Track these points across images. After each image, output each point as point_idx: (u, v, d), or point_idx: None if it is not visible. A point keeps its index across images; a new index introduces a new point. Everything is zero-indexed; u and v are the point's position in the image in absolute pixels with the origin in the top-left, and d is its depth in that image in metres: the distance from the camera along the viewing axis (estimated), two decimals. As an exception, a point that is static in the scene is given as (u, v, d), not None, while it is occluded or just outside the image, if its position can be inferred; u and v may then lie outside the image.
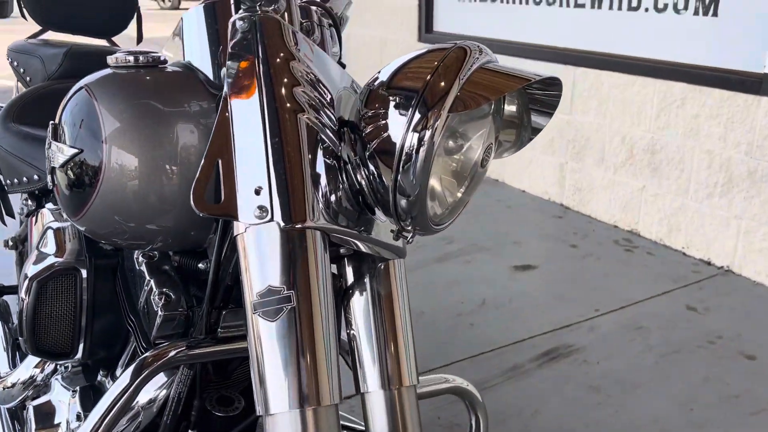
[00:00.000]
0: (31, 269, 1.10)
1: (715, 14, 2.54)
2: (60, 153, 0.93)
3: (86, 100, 0.91)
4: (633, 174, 2.97)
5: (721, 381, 1.98)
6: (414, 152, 0.72)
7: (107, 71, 0.95)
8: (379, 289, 0.92)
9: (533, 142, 0.90)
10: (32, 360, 1.36)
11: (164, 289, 0.97)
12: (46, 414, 1.20)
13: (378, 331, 0.86)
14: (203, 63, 0.97)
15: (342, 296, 0.93)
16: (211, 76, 0.96)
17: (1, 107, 1.95)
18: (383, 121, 0.76)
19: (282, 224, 0.70)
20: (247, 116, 0.74)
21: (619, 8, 2.90)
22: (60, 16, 1.90)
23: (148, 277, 1.00)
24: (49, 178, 0.98)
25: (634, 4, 2.84)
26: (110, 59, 0.94)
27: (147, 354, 0.91)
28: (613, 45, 2.96)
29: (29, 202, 1.63)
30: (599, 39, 3.02)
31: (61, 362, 1.17)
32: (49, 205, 1.52)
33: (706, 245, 2.72)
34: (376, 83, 0.79)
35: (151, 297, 0.98)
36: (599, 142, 3.09)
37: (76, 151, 0.90)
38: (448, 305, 2.39)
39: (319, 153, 0.76)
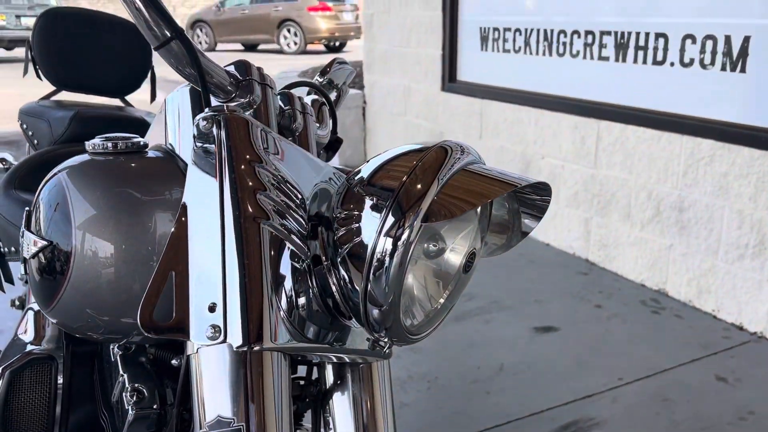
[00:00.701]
0: (6, 356, 1.06)
1: (743, 70, 2.46)
2: (31, 244, 0.90)
3: (59, 187, 0.88)
4: (660, 231, 2.86)
5: (753, 463, 1.85)
6: (387, 258, 0.66)
7: (84, 157, 0.92)
8: (362, 392, 0.85)
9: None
10: None
11: (137, 385, 0.92)
12: None
13: None
14: (185, 148, 0.93)
15: (321, 399, 0.87)
16: (182, 161, 0.91)
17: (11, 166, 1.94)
18: (357, 224, 0.70)
19: (235, 346, 0.65)
20: (204, 225, 0.69)
21: (644, 62, 2.84)
22: (73, 77, 1.90)
23: (121, 371, 0.95)
24: (22, 268, 0.95)
25: (660, 58, 2.77)
26: (88, 145, 0.91)
27: None
28: (638, 99, 2.89)
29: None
30: (624, 92, 2.95)
31: None
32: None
33: (738, 309, 2.59)
34: (355, 179, 0.74)
35: (123, 393, 0.93)
36: (625, 197, 3.00)
37: (46, 243, 0.86)
38: (463, 370, 2.30)
39: (284, 262, 0.71)
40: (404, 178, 0.67)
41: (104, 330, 0.88)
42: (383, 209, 0.67)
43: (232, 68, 0.83)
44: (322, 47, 16.45)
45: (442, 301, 0.76)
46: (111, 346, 1.00)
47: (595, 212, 3.16)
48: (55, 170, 0.93)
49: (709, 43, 2.56)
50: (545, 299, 2.86)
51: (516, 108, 3.54)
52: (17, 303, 1.93)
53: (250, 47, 16.78)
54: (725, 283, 2.62)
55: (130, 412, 0.90)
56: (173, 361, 0.92)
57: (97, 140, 0.90)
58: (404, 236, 0.65)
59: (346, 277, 0.71)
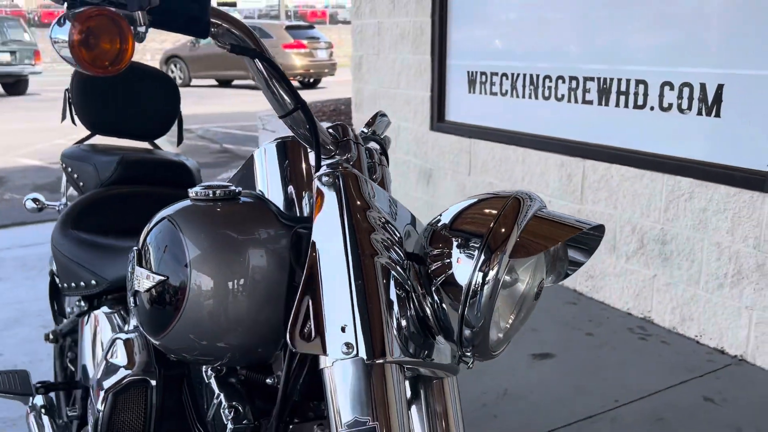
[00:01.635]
0: (105, 381, 1.18)
1: (717, 115, 2.69)
2: (144, 278, 1.03)
3: (170, 229, 1.01)
4: (644, 263, 3.07)
5: (743, 475, 2.02)
6: (479, 289, 0.82)
7: (187, 203, 1.06)
8: (435, 407, 1.00)
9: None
10: None
11: (233, 402, 1.05)
12: None
13: None
14: (274, 195, 1.08)
15: None
16: (282, 207, 1.07)
17: (62, 208, 2.06)
18: (447, 260, 0.86)
19: (366, 359, 0.79)
20: (333, 261, 0.84)
21: (626, 106, 3.07)
22: (107, 123, 2.04)
23: (217, 391, 1.08)
24: (131, 300, 1.07)
25: (640, 102, 3.00)
26: (191, 192, 1.06)
27: None
28: (621, 140, 3.11)
29: (82, 304, 1.72)
30: (607, 134, 3.17)
31: None
32: (104, 309, 1.60)
33: (720, 334, 2.79)
34: (439, 224, 0.90)
35: (221, 410, 1.06)
36: (610, 231, 3.20)
37: (161, 278, 0.99)
38: (472, 396, 2.44)
39: (392, 290, 0.86)
40: (491, 224, 0.83)
41: (205, 353, 1.01)
42: (475, 249, 0.83)
43: (332, 130, 0.99)
44: (296, 83, 16.71)
45: (515, 324, 0.92)
46: (204, 369, 1.13)
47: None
48: (161, 214, 1.07)
49: (686, 90, 2.80)
50: (540, 328, 3.03)
51: (504, 147, 3.75)
52: (51, 337, 2.03)
53: (225, 83, 16.96)
54: (707, 310, 2.82)
55: (229, 426, 1.03)
56: (267, 380, 1.06)
57: (198, 188, 1.05)
58: (494, 272, 0.81)
59: (439, 302, 0.86)
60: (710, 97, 2.71)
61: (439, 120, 4.27)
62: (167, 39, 25.69)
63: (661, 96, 2.90)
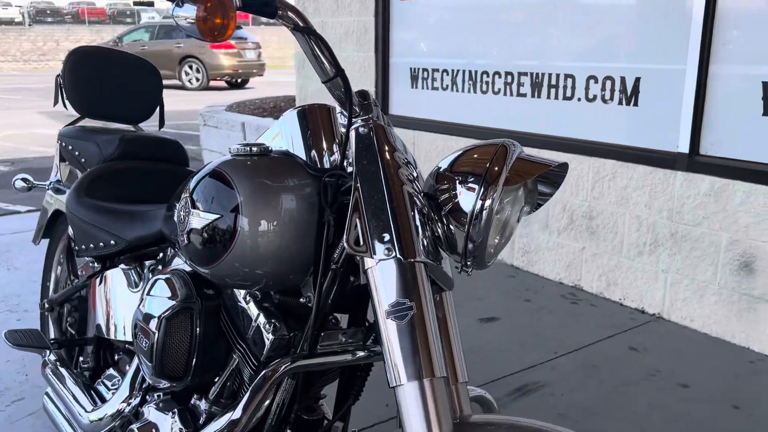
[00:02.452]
0: (152, 313, 1.39)
1: (635, 104, 3.09)
2: (199, 218, 1.26)
3: (221, 178, 1.25)
4: (574, 237, 3.44)
5: (663, 407, 2.39)
6: (480, 213, 1.10)
7: (229, 157, 1.29)
8: (437, 314, 1.27)
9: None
10: (120, 396, 1.62)
11: (271, 320, 1.29)
12: None
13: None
14: (300, 152, 1.33)
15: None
16: (308, 161, 1.31)
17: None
18: (453, 193, 1.14)
19: (402, 259, 1.06)
20: (373, 189, 1.10)
21: (556, 98, 3.44)
22: (97, 107, 2.22)
23: (256, 311, 1.32)
24: (183, 237, 1.30)
25: (569, 94, 3.38)
26: (232, 149, 1.29)
27: (266, 369, 1.22)
28: (552, 128, 3.48)
29: (95, 265, 1.90)
30: (540, 123, 3.54)
31: (173, 385, 1.43)
32: (122, 266, 1.79)
33: (640, 296, 3.19)
34: (441, 168, 1.18)
35: (262, 326, 1.29)
36: (543, 210, 3.57)
37: (216, 216, 1.23)
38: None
39: (416, 212, 1.13)
40: (487, 165, 1.11)
41: (249, 280, 1.25)
42: (476, 184, 1.10)
43: (356, 94, 1.24)
44: (224, 84, 16.66)
45: (503, 241, 1.20)
46: (242, 296, 1.35)
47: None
48: (208, 167, 1.30)
49: (609, 83, 3.20)
50: (484, 297, 3.36)
51: (446, 138, 4.07)
52: (47, 306, 2.19)
53: (150, 83, 16.68)
54: (628, 276, 3.22)
55: (269, 338, 1.27)
56: (301, 299, 1.30)
57: (237, 146, 1.29)
58: (490, 201, 1.09)
59: (447, 225, 1.14)
60: (629, 89, 3.11)
61: (383, 113, 4.55)
62: (81, 39, 25.25)
63: (587, 88, 3.29)
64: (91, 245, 1.83)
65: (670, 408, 2.37)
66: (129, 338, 1.76)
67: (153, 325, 1.37)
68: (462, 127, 3.98)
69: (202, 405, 1.45)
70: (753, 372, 2.63)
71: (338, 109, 1.29)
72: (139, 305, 1.47)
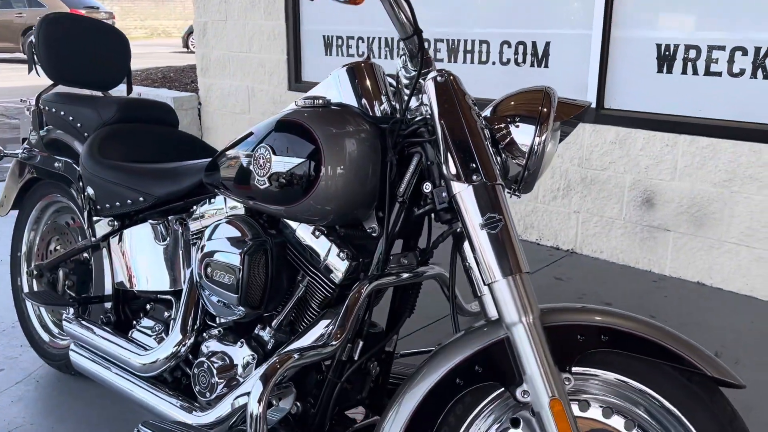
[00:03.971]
0: (233, 249, 1.54)
1: (546, 66, 3.50)
2: (283, 162, 1.43)
3: (299, 127, 1.43)
4: (493, 188, 3.83)
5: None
6: (537, 147, 1.37)
7: (297, 108, 1.47)
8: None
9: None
10: (174, 338, 1.74)
11: (344, 249, 1.50)
12: (221, 362, 1.62)
13: None
14: (352, 103, 1.52)
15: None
16: (362, 111, 1.51)
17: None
18: (507, 130, 1.41)
19: (487, 182, 1.31)
20: (456, 128, 1.34)
21: (472, 62, 3.78)
22: (69, 74, 2.27)
23: (328, 243, 1.52)
24: (264, 181, 1.46)
25: (484, 59, 3.73)
26: (298, 102, 1.47)
27: (354, 288, 1.43)
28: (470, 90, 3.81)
29: (115, 224, 1.98)
30: (458, 85, 3.86)
31: (248, 316, 1.58)
32: (150, 221, 1.89)
33: (555, 235, 3.64)
34: (497, 109, 1.44)
35: (335, 254, 1.50)
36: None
37: (301, 160, 1.41)
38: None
39: (489, 146, 1.38)
40: (540, 108, 1.39)
41: (325, 216, 1.44)
42: (531, 123, 1.38)
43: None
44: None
45: (545, 169, 1.49)
46: (311, 231, 1.54)
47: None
48: (279, 118, 1.47)
49: (521, 47, 3.58)
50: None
51: (364, 101, 4.30)
52: (35, 272, 2.23)
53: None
54: (544, 218, 3.66)
55: (345, 264, 1.48)
56: (368, 229, 1.51)
57: (303, 101, 1.47)
58: (544, 137, 1.37)
59: (504, 156, 1.41)
60: (540, 52, 3.51)
61: (296, 81, 4.70)
62: None
63: (501, 53, 3.65)
64: (117, 203, 1.91)
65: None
66: (162, 287, 1.88)
67: (235, 261, 1.53)
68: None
69: (266, 334, 1.62)
70: (657, 288, 3.15)
71: (399, 65, 1.50)
72: (202, 250, 1.61)
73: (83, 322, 1.97)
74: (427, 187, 1.42)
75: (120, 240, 1.98)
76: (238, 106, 5.17)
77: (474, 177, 1.31)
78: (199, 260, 1.62)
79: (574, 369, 1.27)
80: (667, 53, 3.09)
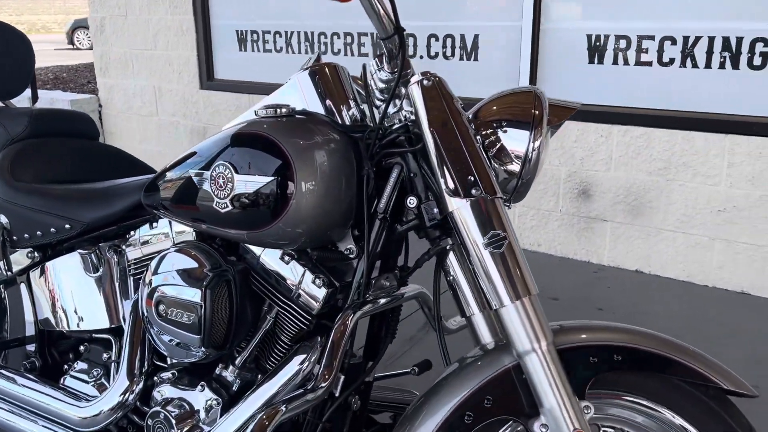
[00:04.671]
0: (189, 284, 1.35)
1: (476, 59, 3.43)
2: (247, 182, 1.26)
3: (264, 140, 1.25)
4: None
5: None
6: (531, 153, 1.26)
7: (256, 118, 1.30)
8: None
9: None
10: (120, 385, 1.52)
11: (319, 275, 1.34)
12: (179, 410, 1.42)
13: None
14: (319, 110, 1.37)
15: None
16: (330, 119, 1.36)
17: None
18: (496, 137, 1.29)
19: (488, 197, 1.19)
20: (449, 137, 1.21)
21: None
22: None
23: (301, 269, 1.35)
24: (227, 203, 1.28)
25: (411, 52, 3.62)
26: (259, 112, 1.30)
27: (338, 320, 1.28)
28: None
29: (35, 255, 1.73)
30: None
31: (211, 356, 1.40)
32: (79, 250, 1.65)
33: (491, 231, 3.59)
34: (479, 114, 1.31)
35: (310, 281, 1.33)
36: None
37: (270, 178, 1.24)
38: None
39: (485, 154, 1.25)
40: (533, 111, 1.28)
41: (293, 239, 1.28)
42: (524, 129, 1.26)
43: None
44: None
45: (537, 176, 1.38)
46: (280, 256, 1.37)
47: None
48: (237, 130, 1.29)
49: (449, 40, 3.49)
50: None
51: (285, 99, 4.10)
52: None
53: None
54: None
55: (323, 291, 1.32)
56: (344, 251, 1.35)
57: (264, 110, 1.30)
58: (540, 140, 1.26)
59: (494, 163, 1.29)
60: (469, 45, 3.43)
61: (209, 79, 4.43)
62: None
63: (429, 46, 3.56)
64: (39, 233, 1.66)
65: (555, 319, 2.77)
66: (98, 326, 1.65)
67: (194, 297, 1.34)
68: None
69: (229, 374, 1.44)
70: (598, 279, 3.16)
71: (370, 66, 1.35)
72: (149, 285, 1.41)
73: (3, 372, 1.70)
74: (412, 201, 1.28)
75: (42, 273, 1.73)
76: (145, 108, 4.83)
77: (473, 191, 1.18)
78: (147, 296, 1.41)
79: (588, 392, 1.18)
80: (597, 43, 3.09)
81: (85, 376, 1.65)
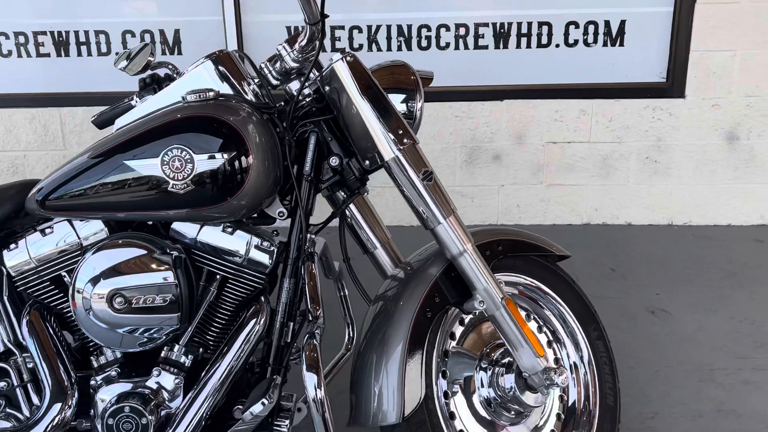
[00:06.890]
0: (162, 263, 1.38)
1: (180, 53, 3.50)
2: (207, 161, 1.35)
3: (215, 121, 1.37)
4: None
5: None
6: (419, 111, 1.58)
7: (184, 103, 1.39)
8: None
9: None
10: (52, 408, 1.44)
11: (264, 237, 1.47)
12: (144, 399, 1.41)
13: None
14: (227, 92, 1.48)
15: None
16: (245, 99, 1.48)
17: None
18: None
19: (414, 143, 1.45)
20: (380, 100, 1.43)
21: (89, 54, 3.52)
22: None
23: (246, 235, 1.46)
24: (184, 184, 1.35)
25: (103, 50, 3.51)
26: (188, 97, 1.41)
27: (303, 268, 1.47)
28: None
29: None
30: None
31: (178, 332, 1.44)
32: None
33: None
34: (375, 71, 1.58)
35: (258, 244, 1.46)
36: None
37: (230, 154, 1.36)
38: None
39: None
40: (414, 78, 1.58)
41: (239, 210, 1.41)
42: (404, 92, 1.57)
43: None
44: None
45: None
46: (222, 227, 1.43)
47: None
48: (181, 113, 1.37)
49: (148, 36, 3.49)
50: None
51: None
52: None
53: None
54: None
55: (273, 249, 1.44)
56: (279, 211, 1.48)
57: (193, 95, 1.39)
58: (421, 101, 1.57)
59: None
60: (171, 40, 3.49)
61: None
62: None
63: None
64: None
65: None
66: None
67: (166, 277, 1.37)
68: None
69: (176, 353, 1.46)
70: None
71: (282, 49, 1.51)
72: (90, 286, 1.37)
73: None
74: (335, 160, 1.50)
75: None
76: None
77: (405, 140, 1.46)
78: (98, 296, 1.38)
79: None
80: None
81: None
